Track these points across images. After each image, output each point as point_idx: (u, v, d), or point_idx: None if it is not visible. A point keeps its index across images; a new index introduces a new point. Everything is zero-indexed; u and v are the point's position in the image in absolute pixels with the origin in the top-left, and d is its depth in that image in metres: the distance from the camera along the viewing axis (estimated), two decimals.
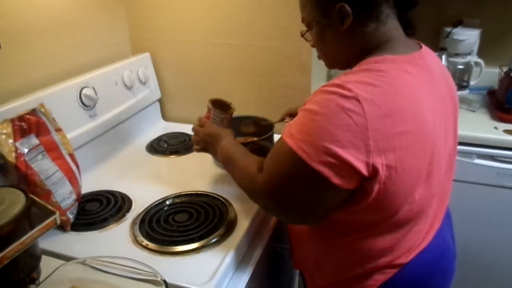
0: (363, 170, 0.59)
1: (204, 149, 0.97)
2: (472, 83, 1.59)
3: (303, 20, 0.77)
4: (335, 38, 0.72)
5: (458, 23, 1.55)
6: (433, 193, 0.72)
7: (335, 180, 0.60)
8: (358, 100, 0.58)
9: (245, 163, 0.79)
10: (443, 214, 0.81)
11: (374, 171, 0.60)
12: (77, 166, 1.01)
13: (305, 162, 0.60)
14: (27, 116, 0.90)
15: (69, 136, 1.03)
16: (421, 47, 0.73)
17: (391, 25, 0.69)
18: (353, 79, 0.61)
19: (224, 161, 0.88)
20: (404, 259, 0.73)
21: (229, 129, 0.96)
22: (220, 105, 0.99)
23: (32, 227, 0.69)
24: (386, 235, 0.71)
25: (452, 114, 0.76)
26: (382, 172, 0.60)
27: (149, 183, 1.12)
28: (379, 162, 0.59)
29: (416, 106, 0.63)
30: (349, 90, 0.59)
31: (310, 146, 0.60)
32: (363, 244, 0.73)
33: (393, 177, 0.61)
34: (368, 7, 0.67)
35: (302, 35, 0.79)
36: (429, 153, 0.66)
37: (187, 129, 1.46)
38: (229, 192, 1.04)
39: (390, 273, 0.73)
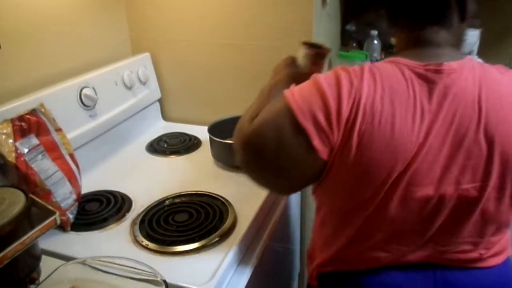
0: (333, 137, 0.65)
1: None
2: None
3: None
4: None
5: None
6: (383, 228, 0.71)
7: (316, 142, 0.64)
8: (352, 83, 0.65)
9: (251, 107, 0.79)
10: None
11: (335, 143, 0.65)
12: (77, 166, 1.01)
13: (295, 115, 0.64)
14: (27, 116, 0.90)
15: (69, 136, 1.03)
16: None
17: (419, 33, 0.71)
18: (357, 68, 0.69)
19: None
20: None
21: (289, 70, 0.95)
22: (315, 46, 1.01)
23: (32, 227, 0.69)
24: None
25: (479, 159, 0.64)
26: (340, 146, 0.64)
27: (149, 183, 1.12)
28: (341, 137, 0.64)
29: (390, 113, 0.63)
30: (348, 72, 0.67)
31: (305, 103, 0.65)
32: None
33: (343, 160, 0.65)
34: (393, 15, 0.76)
35: None
36: (389, 168, 0.64)
37: (187, 129, 1.47)
38: (229, 192, 1.04)
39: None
